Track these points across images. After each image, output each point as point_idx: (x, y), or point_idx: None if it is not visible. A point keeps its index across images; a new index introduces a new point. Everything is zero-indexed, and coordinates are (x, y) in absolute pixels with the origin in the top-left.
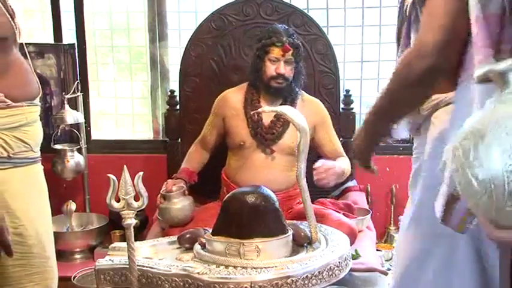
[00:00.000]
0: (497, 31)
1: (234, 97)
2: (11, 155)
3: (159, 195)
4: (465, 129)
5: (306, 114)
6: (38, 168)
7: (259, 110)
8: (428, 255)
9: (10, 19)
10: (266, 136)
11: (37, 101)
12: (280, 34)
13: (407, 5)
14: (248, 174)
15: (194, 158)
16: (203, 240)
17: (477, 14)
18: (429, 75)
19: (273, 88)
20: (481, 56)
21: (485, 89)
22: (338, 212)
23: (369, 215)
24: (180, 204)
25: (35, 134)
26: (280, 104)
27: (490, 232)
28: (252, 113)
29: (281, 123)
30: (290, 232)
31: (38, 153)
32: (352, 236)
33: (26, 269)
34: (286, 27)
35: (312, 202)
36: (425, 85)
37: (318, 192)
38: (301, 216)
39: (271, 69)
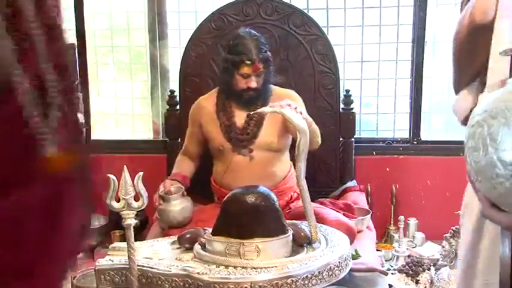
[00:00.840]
0: None
1: (206, 103)
2: None
3: (156, 196)
4: (490, 107)
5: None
6: None
7: (259, 110)
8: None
9: None
10: (241, 137)
11: None
12: (249, 51)
13: None
14: (233, 177)
15: (182, 165)
16: (203, 240)
17: None
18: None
19: (244, 99)
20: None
21: None
22: (338, 211)
23: (369, 215)
24: (179, 206)
25: None
26: (254, 107)
27: (485, 208)
28: (252, 113)
29: (254, 122)
30: (290, 232)
31: None
32: (351, 235)
33: None
34: (254, 34)
35: (312, 202)
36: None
37: (318, 192)
38: (301, 216)
39: (242, 83)
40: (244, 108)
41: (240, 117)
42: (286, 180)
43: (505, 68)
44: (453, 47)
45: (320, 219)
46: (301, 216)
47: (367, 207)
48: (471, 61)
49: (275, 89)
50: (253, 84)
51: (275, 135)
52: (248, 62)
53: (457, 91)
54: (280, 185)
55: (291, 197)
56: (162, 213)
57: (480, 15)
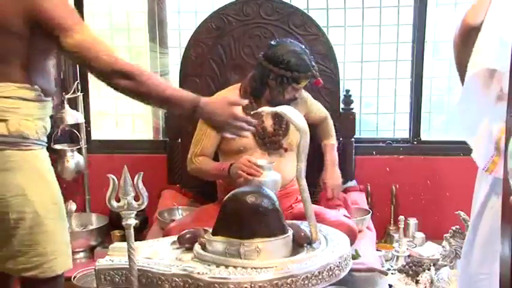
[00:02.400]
0: None
1: None
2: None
3: (246, 165)
4: None
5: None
6: None
7: (259, 110)
8: None
9: None
10: (273, 139)
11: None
12: (310, 67)
13: None
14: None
15: (212, 161)
16: (203, 240)
17: None
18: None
19: (283, 104)
20: None
21: None
22: (334, 207)
23: (369, 215)
24: (276, 176)
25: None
26: None
27: None
28: (252, 113)
29: (284, 126)
30: (290, 232)
31: None
32: (352, 235)
33: None
34: (305, 48)
35: (312, 202)
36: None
37: (317, 192)
38: (301, 216)
39: (292, 94)
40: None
41: (268, 119)
42: (294, 182)
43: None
44: (453, 49)
45: (320, 219)
46: (302, 216)
47: (367, 207)
48: (466, 60)
49: None
50: (300, 93)
51: (295, 135)
52: (309, 77)
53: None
54: (288, 187)
55: (296, 198)
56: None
57: (472, 17)
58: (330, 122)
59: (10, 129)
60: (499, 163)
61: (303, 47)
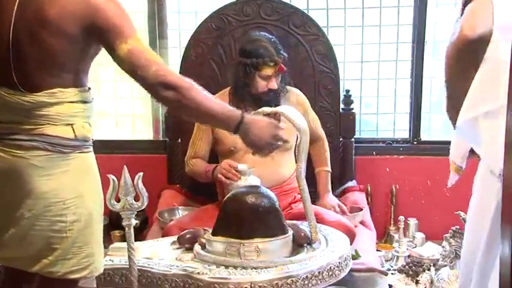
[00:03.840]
0: None
1: None
2: None
3: (224, 169)
4: None
5: (291, 106)
6: None
7: (259, 110)
8: None
9: None
10: None
11: None
12: (271, 53)
13: None
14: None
15: (204, 163)
16: (203, 241)
17: None
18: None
19: (262, 101)
20: None
21: None
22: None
23: (361, 212)
24: (257, 181)
25: None
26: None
27: None
28: (252, 113)
29: None
30: (290, 232)
31: None
32: (351, 236)
33: None
34: (271, 38)
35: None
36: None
37: (318, 192)
38: (301, 216)
39: (262, 85)
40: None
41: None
42: (291, 181)
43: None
44: (444, 68)
45: (320, 219)
46: (302, 216)
47: (367, 207)
48: (462, 80)
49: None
50: (274, 85)
51: (289, 134)
52: (271, 64)
53: (453, 119)
54: (284, 184)
55: (294, 197)
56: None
57: (469, 30)
58: (326, 146)
59: (76, 133)
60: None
61: (271, 37)
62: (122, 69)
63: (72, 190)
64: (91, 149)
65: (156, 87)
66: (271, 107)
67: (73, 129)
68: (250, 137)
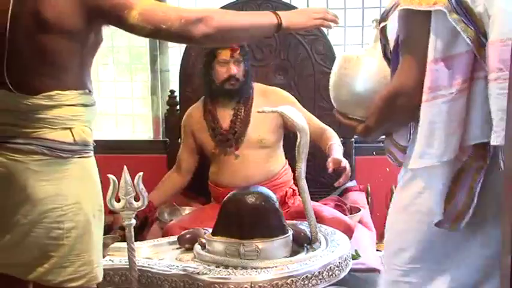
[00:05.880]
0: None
1: (195, 112)
2: None
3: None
4: None
5: (272, 104)
6: None
7: (259, 110)
8: None
9: None
10: (228, 137)
11: None
12: None
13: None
14: (227, 175)
15: (163, 185)
16: (203, 241)
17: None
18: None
19: (226, 90)
20: None
21: None
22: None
23: (360, 212)
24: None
25: None
26: (238, 105)
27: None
28: (257, 111)
29: (240, 120)
30: (290, 232)
31: None
32: (349, 232)
33: None
34: None
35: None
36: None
37: (318, 192)
38: (299, 214)
39: (222, 72)
40: (228, 106)
41: (224, 117)
42: (280, 175)
43: None
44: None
45: (317, 217)
46: (299, 214)
47: (367, 207)
48: (393, 124)
49: (258, 85)
50: (234, 69)
51: (266, 131)
52: (226, 46)
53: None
54: (274, 179)
55: (286, 192)
56: None
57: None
58: (333, 132)
59: (75, 137)
60: None
61: None
62: (142, 36)
63: (71, 196)
64: (91, 154)
65: (186, 31)
66: (239, 102)
67: (72, 133)
68: (295, 16)
